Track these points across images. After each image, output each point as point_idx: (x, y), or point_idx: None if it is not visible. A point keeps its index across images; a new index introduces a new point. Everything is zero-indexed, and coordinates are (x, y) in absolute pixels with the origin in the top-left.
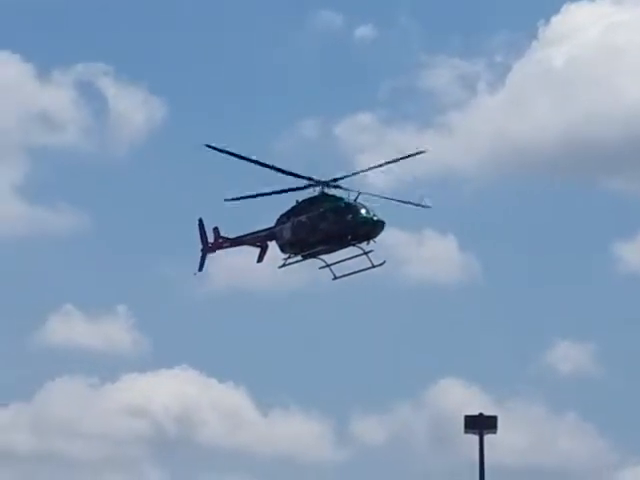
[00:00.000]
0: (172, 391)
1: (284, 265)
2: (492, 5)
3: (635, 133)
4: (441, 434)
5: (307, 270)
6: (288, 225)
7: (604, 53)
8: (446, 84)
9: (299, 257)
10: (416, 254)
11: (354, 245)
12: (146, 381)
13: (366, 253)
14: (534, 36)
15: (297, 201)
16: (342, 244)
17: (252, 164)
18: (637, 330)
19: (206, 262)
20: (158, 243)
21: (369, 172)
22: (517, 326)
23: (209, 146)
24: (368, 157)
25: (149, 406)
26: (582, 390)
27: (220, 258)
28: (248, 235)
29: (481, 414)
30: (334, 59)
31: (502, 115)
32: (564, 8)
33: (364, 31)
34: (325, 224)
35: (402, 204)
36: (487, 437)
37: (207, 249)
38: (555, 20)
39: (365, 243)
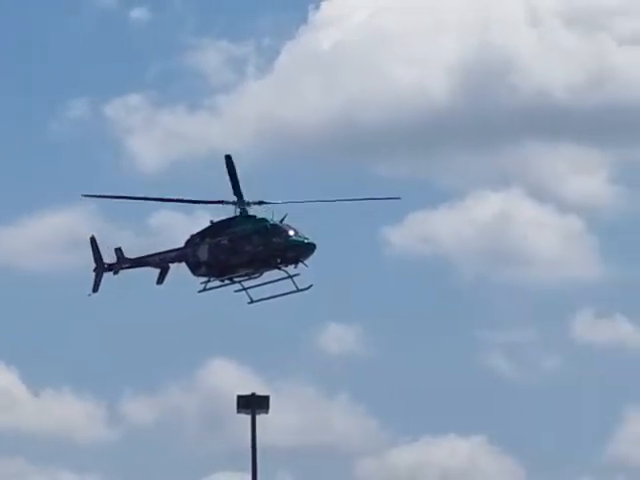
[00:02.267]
0: None
1: (204, 290)
2: None
3: (402, 119)
4: (213, 414)
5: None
6: (204, 247)
7: (372, 38)
8: (215, 67)
9: (218, 281)
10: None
11: (280, 268)
12: None
13: (291, 277)
14: (303, 20)
15: (211, 221)
16: (268, 267)
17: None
18: (403, 312)
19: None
20: None
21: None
22: (288, 307)
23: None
24: (138, 138)
25: None
26: (352, 371)
27: None
28: (153, 255)
29: (253, 394)
30: (108, 40)
31: (270, 98)
32: None
33: (138, 13)
34: (250, 246)
35: None
36: (259, 417)
37: (103, 269)
38: (325, 4)
39: (293, 266)
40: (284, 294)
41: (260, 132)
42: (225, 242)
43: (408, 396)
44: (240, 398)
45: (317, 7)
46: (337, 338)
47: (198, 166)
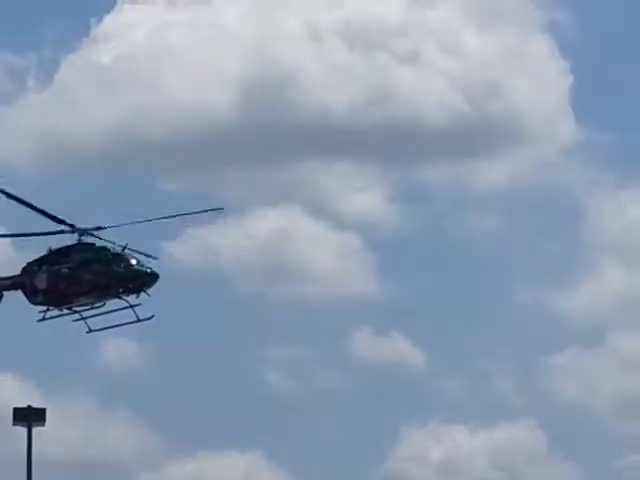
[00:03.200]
0: None
1: (44, 319)
2: None
3: (184, 134)
4: None
5: None
6: (42, 275)
7: (154, 52)
8: None
9: (57, 310)
10: None
11: (121, 298)
12: None
13: (132, 306)
14: (85, 33)
15: (50, 249)
16: (109, 296)
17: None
18: (182, 327)
19: None
20: None
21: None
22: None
23: None
24: None
25: None
26: (131, 385)
27: None
28: None
29: (30, 406)
30: None
31: (51, 111)
32: (118, 7)
33: None
34: (91, 275)
35: None
36: (35, 430)
37: None
38: (107, 18)
39: (135, 296)
40: (124, 324)
41: (41, 146)
42: (65, 270)
43: (186, 411)
44: (16, 410)
45: (100, 20)
46: (116, 352)
47: None
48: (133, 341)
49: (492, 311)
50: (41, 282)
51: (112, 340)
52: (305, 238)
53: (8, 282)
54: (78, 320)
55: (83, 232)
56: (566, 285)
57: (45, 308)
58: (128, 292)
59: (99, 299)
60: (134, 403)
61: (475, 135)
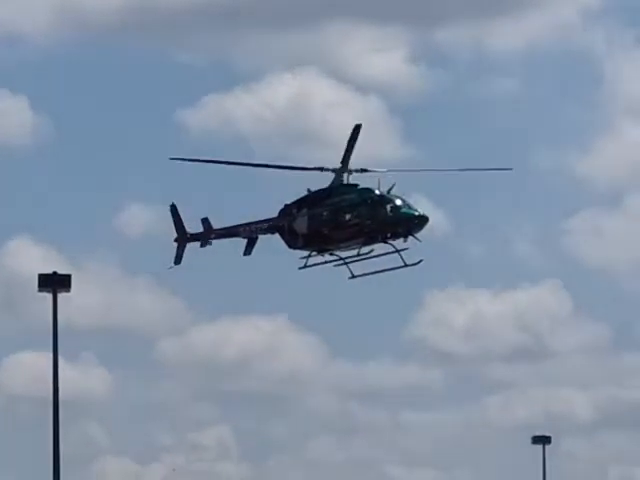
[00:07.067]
0: None
1: (306, 266)
2: None
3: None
4: (14, 294)
5: None
6: (303, 218)
7: None
8: None
9: (320, 255)
10: None
11: (387, 242)
12: None
13: (398, 251)
14: None
15: (309, 190)
16: (375, 241)
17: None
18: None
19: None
20: None
21: None
22: (90, 187)
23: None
24: None
25: None
26: (154, 252)
27: None
28: (244, 225)
29: (55, 272)
30: None
31: None
32: None
33: None
34: (356, 219)
35: None
36: (61, 296)
37: (185, 239)
38: None
39: (402, 240)
40: (390, 269)
41: (55, 16)
42: (327, 213)
43: (209, 276)
44: (41, 277)
45: None
46: (138, 219)
47: None
48: (153, 207)
49: (512, 174)
50: (301, 226)
51: (130, 207)
52: (324, 103)
53: (265, 225)
54: (341, 265)
55: (345, 172)
56: (585, 147)
57: (307, 254)
58: (395, 237)
59: (364, 244)
60: (158, 270)
61: None
